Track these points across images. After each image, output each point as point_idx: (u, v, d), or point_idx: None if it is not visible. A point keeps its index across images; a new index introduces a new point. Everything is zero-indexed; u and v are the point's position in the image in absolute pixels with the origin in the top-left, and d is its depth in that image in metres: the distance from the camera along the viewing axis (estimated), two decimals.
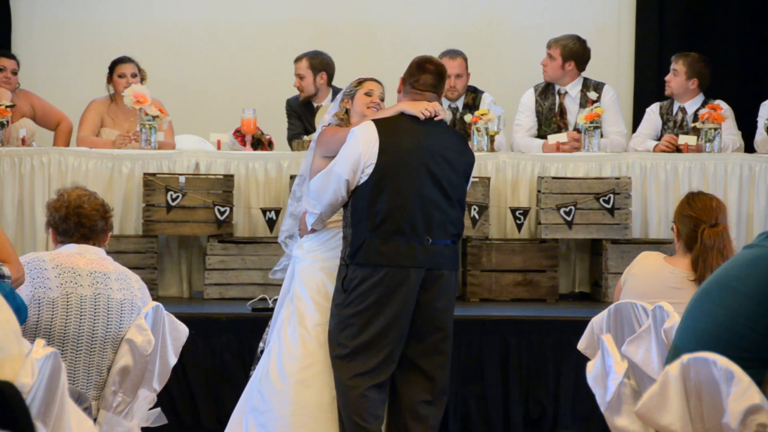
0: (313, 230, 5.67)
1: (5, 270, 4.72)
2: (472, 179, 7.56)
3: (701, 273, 5.28)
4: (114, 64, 8.36)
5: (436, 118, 5.53)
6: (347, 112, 5.84)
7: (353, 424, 5.43)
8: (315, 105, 8.59)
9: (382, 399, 5.49)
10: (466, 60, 8.63)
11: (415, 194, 5.42)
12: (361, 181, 5.42)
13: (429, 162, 5.45)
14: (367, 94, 5.81)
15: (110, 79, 8.34)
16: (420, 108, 5.50)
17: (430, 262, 5.44)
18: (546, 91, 8.69)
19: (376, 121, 5.51)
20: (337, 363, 5.48)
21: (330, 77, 8.61)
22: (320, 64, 8.57)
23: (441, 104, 5.64)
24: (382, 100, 5.84)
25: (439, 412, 5.55)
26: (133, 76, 8.27)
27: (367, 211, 5.41)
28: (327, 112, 5.97)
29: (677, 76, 8.48)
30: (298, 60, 8.63)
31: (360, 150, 5.42)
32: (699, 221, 5.39)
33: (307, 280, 5.65)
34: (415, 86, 5.59)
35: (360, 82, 5.86)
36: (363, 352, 5.43)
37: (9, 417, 3.29)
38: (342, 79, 8.71)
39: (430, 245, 5.43)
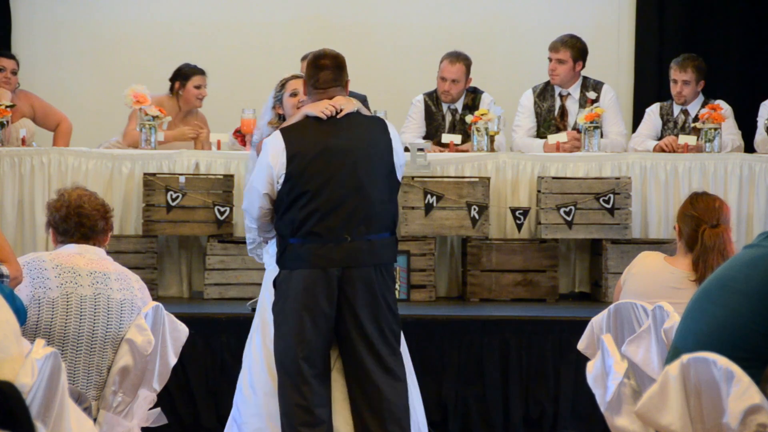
0: (266, 240, 5.68)
1: (4, 269, 4.72)
2: (472, 179, 7.53)
3: (702, 273, 5.27)
4: (192, 73, 8.47)
5: (339, 115, 5.45)
6: (282, 118, 5.80)
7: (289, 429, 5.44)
8: None
9: (317, 404, 5.40)
10: (467, 65, 8.57)
11: (329, 196, 5.38)
12: (278, 190, 5.44)
13: (339, 160, 5.40)
14: (293, 95, 5.76)
15: (182, 86, 8.42)
16: (320, 108, 5.44)
17: (347, 261, 5.39)
18: (544, 92, 8.68)
19: (282, 129, 5.50)
20: (276, 367, 5.47)
21: None
22: None
23: (346, 95, 5.54)
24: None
25: (403, 400, 5.46)
26: (203, 87, 8.52)
27: (284, 220, 5.43)
28: (258, 119, 5.91)
29: (689, 85, 8.45)
30: (305, 59, 8.61)
31: (269, 161, 5.43)
32: (700, 221, 5.38)
33: (271, 287, 5.63)
34: (316, 86, 5.53)
35: (283, 85, 5.80)
36: (291, 351, 5.41)
37: (9, 417, 3.29)
38: None
39: (348, 243, 5.38)
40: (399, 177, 5.55)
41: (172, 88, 8.54)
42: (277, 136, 5.46)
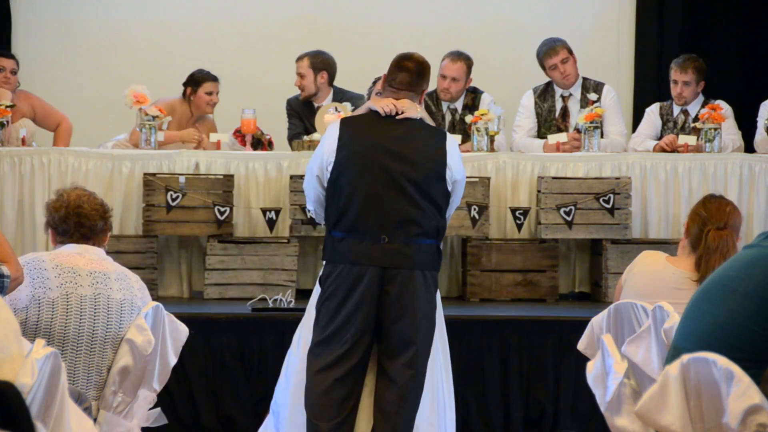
0: None
1: (4, 270, 4.72)
2: (472, 179, 7.52)
3: (703, 274, 5.27)
4: (204, 80, 8.50)
5: (399, 116, 5.45)
6: None
7: (307, 421, 5.45)
8: (315, 105, 8.58)
9: (342, 398, 5.42)
10: (468, 65, 8.57)
11: (367, 192, 5.38)
12: (327, 178, 5.45)
13: (385, 159, 5.39)
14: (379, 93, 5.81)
15: (194, 92, 8.46)
16: (382, 104, 5.46)
17: (385, 261, 5.38)
18: (545, 92, 8.69)
19: (343, 119, 5.55)
20: (308, 358, 5.50)
21: (331, 77, 8.61)
22: (321, 63, 8.57)
23: (420, 103, 5.56)
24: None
25: (404, 415, 5.43)
26: (215, 94, 8.53)
27: (329, 209, 5.47)
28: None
29: (689, 86, 8.46)
30: (299, 59, 8.63)
31: (324, 147, 5.46)
32: (707, 222, 5.38)
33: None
34: (392, 84, 5.55)
35: (374, 82, 5.88)
36: (326, 345, 5.43)
37: (9, 417, 3.29)
38: (342, 79, 8.72)
39: (386, 244, 5.38)
40: (453, 191, 5.49)
41: (184, 93, 8.56)
42: (336, 124, 5.50)
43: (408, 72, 5.54)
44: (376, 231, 5.37)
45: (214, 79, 8.55)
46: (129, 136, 8.35)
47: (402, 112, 5.45)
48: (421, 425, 5.56)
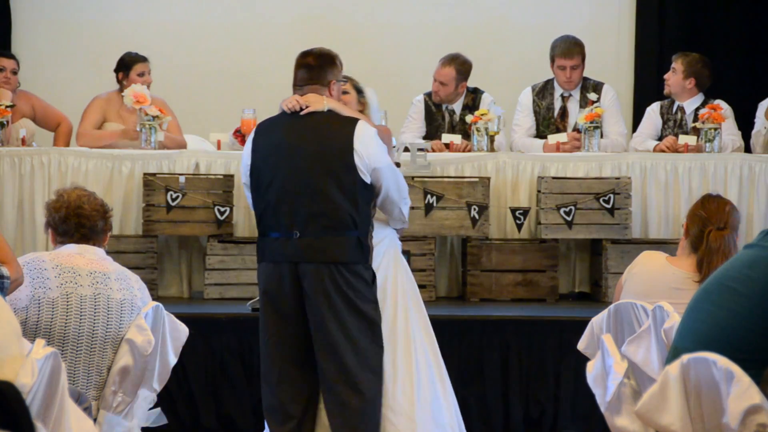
0: None
1: (4, 271, 4.72)
2: (472, 179, 7.52)
3: (705, 275, 5.26)
4: (133, 62, 8.35)
5: (303, 111, 5.50)
6: None
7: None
8: None
9: (288, 400, 5.47)
10: (460, 70, 8.49)
11: (279, 190, 5.45)
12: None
13: (291, 156, 5.44)
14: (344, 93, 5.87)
15: (125, 75, 8.32)
16: (286, 102, 5.55)
17: (296, 256, 5.41)
18: (544, 90, 8.68)
19: (258, 124, 5.68)
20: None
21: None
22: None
23: (331, 95, 5.57)
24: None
25: (348, 418, 5.42)
26: (147, 74, 8.35)
27: (255, 211, 5.59)
28: None
29: (675, 75, 8.49)
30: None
31: (243, 153, 5.63)
32: (708, 222, 5.38)
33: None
34: (296, 83, 5.65)
35: None
36: (265, 347, 5.53)
37: (9, 417, 3.29)
38: None
39: (298, 239, 5.40)
40: (376, 179, 5.47)
41: (117, 80, 8.44)
42: (254, 130, 5.67)
43: (306, 68, 5.62)
44: (288, 227, 5.43)
45: (144, 59, 8.37)
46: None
47: (306, 107, 5.50)
48: (396, 419, 5.56)
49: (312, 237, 5.40)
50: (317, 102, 5.52)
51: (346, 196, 5.41)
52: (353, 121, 5.52)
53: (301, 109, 5.52)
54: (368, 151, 5.44)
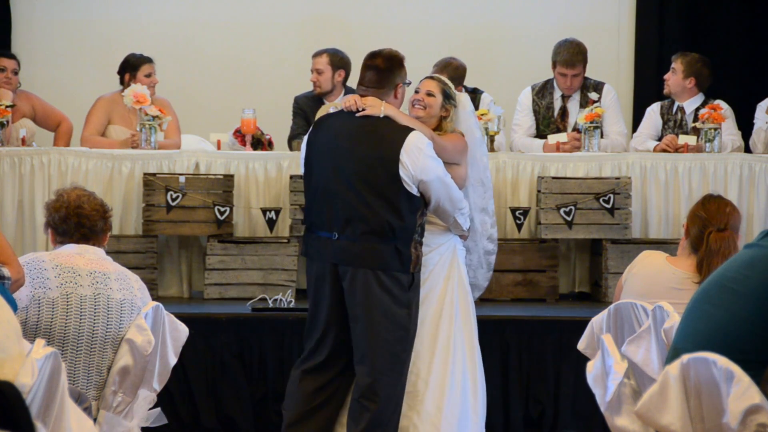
0: None
1: (5, 271, 4.71)
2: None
3: (705, 276, 5.26)
4: (140, 63, 8.35)
5: (359, 114, 5.50)
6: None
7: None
8: (326, 102, 8.55)
9: (312, 391, 5.54)
10: (452, 77, 8.33)
11: (323, 188, 5.49)
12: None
13: (338, 156, 5.47)
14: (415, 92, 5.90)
15: (132, 77, 8.31)
16: (346, 101, 5.56)
17: (335, 258, 5.46)
18: (543, 90, 8.68)
19: (318, 118, 5.75)
20: None
21: (347, 76, 8.57)
22: (340, 62, 8.54)
23: (396, 98, 5.59)
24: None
25: (368, 415, 5.45)
26: (153, 75, 8.36)
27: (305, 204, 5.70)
28: None
29: (675, 75, 8.49)
30: (317, 55, 8.56)
31: (302, 144, 5.69)
32: (708, 223, 5.38)
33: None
34: (361, 83, 5.65)
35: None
36: (306, 338, 5.63)
37: (9, 417, 3.29)
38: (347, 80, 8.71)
39: (336, 241, 5.44)
40: (424, 192, 5.47)
41: (122, 81, 8.43)
42: (315, 121, 5.76)
43: (374, 70, 5.60)
44: (328, 227, 5.46)
45: (150, 60, 8.39)
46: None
47: (363, 110, 5.49)
48: (421, 424, 5.58)
49: (348, 240, 5.42)
50: (375, 106, 5.50)
51: (388, 204, 5.41)
52: (406, 131, 5.47)
53: (358, 111, 5.50)
54: (415, 163, 5.42)
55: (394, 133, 5.47)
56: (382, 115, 5.49)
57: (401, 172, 5.40)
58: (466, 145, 5.82)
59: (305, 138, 5.66)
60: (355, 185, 5.41)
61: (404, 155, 5.40)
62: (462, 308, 5.76)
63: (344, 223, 5.42)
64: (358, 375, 5.48)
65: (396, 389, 5.48)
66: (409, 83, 5.74)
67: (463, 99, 5.92)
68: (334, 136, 5.50)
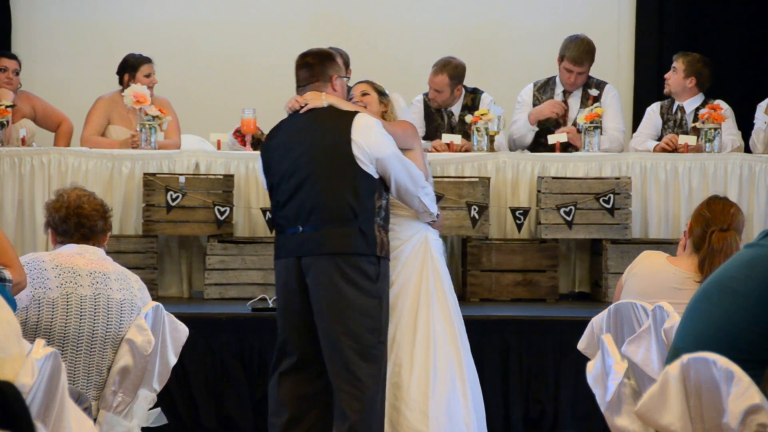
0: None
1: (6, 274, 4.71)
2: (472, 179, 7.53)
3: (706, 275, 5.26)
4: (139, 63, 8.34)
5: (303, 110, 5.58)
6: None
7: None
8: None
9: (296, 395, 5.52)
10: (452, 76, 8.42)
11: (284, 187, 5.53)
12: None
13: (295, 154, 5.52)
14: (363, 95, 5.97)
15: (132, 77, 8.30)
16: (287, 104, 5.67)
17: (298, 250, 5.47)
18: (545, 86, 8.68)
19: (271, 129, 5.78)
20: None
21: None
22: (344, 61, 8.53)
23: (333, 89, 5.62)
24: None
25: (352, 417, 5.41)
26: (153, 75, 8.36)
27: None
28: None
29: (676, 74, 8.49)
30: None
31: (259, 156, 5.75)
32: (712, 223, 5.38)
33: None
34: (297, 84, 5.74)
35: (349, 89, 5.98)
36: (277, 343, 5.63)
37: (9, 417, 3.29)
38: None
39: (300, 234, 5.47)
40: (383, 169, 5.49)
41: (121, 82, 8.43)
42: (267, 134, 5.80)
43: (305, 67, 5.71)
44: (293, 222, 5.51)
45: (149, 60, 8.39)
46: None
47: (305, 105, 5.58)
48: (410, 413, 5.59)
49: (312, 230, 5.45)
50: (316, 98, 5.59)
51: (346, 187, 5.44)
52: (352, 113, 5.56)
53: (301, 108, 5.58)
54: (368, 141, 5.47)
55: (341, 117, 5.54)
56: (325, 104, 5.57)
57: (355, 151, 5.44)
58: (415, 129, 6.00)
59: (260, 149, 5.75)
60: (314, 175, 5.47)
61: (355, 134, 5.46)
62: (439, 297, 5.77)
63: (308, 213, 5.46)
64: (333, 368, 5.42)
65: (378, 379, 5.46)
66: (348, 78, 5.86)
67: (395, 96, 6.09)
68: (287, 137, 5.59)
